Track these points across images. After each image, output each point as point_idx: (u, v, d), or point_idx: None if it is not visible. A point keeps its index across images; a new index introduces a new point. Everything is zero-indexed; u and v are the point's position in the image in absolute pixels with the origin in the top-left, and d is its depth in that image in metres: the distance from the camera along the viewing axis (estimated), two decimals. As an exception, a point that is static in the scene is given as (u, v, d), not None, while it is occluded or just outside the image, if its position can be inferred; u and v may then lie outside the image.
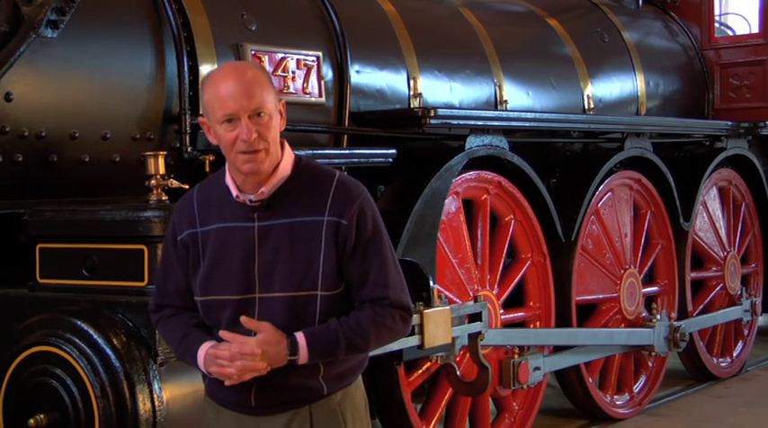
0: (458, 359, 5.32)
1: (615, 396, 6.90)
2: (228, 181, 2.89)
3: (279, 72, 5.21)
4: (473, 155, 5.66)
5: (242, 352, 2.75)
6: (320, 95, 5.43)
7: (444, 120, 5.59)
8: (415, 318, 4.77)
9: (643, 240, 7.16)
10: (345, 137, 5.54)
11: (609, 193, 6.81)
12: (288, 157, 2.90)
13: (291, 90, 5.26)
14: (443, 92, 6.23)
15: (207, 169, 4.71)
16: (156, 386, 3.76)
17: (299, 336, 2.79)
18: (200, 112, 2.91)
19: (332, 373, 2.88)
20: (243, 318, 2.80)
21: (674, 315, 7.15)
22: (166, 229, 3.02)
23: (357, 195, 2.88)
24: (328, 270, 2.82)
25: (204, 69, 4.92)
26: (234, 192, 2.86)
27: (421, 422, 5.41)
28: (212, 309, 2.89)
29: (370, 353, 2.99)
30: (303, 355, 2.79)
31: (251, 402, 2.85)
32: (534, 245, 6.21)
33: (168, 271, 2.98)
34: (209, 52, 4.96)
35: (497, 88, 6.59)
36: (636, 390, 7.07)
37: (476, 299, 5.41)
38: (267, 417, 2.86)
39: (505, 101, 6.62)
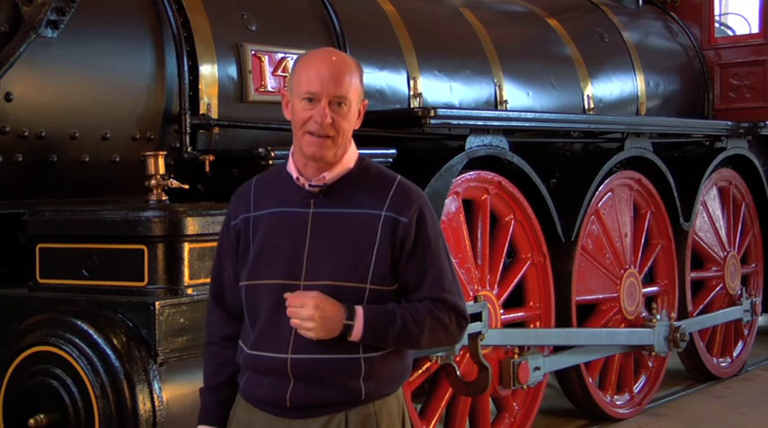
0: (458, 359, 5.33)
1: (615, 396, 6.90)
2: (290, 164, 2.89)
3: (279, 72, 5.21)
4: (473, 155, 5.66)
5: (290, 301, 2.73)
6: (320, 95, 5.43)
7: (444, 120, 5.59)
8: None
9: (643, 240, 7.16)
10: (345, 137, 5.54)
11: (609, 193, 6.81)
12: (353, 152, 2.90)
13: (291, 90, 5.26)
14: (443, 92, 6.23)
15: (207, 169, 4.72)
16: (156, 386, 3.76)
17: (357, 306, 2.76)
18: (285, 85, 2.94)
19: (373, 376, 2.81)
20: (288, 294, 2.76)
21: (674, 315, 7.15)
22: (224, 220, 3.00)
23: (417, 197, 2.88)
24: (380, 264, 2.78)
25: (204, 69, 4.92)
26: (294, 174, 2.85)
27: (421, 422, 5.41)
28: (255, 296, 2.85)
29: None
30: (359, 325, 2.73)
31: (286, 402, 2.79)
32: (534, 245, 6.21)
33: (223, 262, 2.97)
34: (209, 52, 4.96)
35: (497, 88, 6.59)
36: (636, 390, 7.07)
37: (476, 299, 5.41)
38: (301, 421, 2.80)
39: (505, 101, 6.62)
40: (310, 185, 2.83)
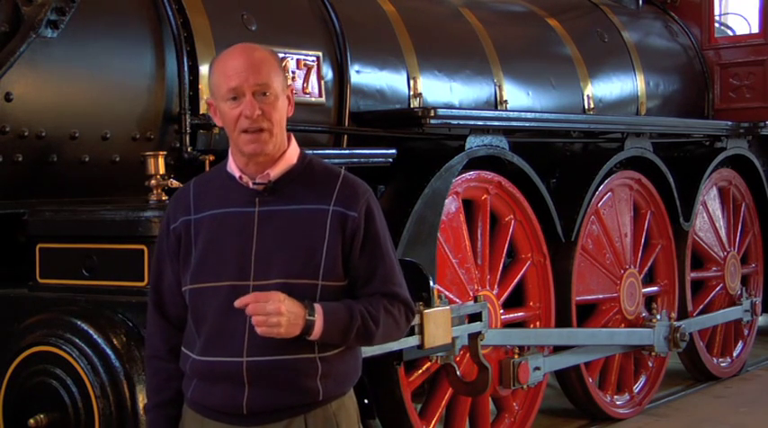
0: (458, 359, 5.32)
1: (615, 396, 6.90)
2: (231, 165, 2.81)
3: (279, 72, 5.21)
4: (473, 155, 5.66)
5: (258, 298, 2.63)
6: (320, 95, 5.43)
7: (444, 120, 5.59)
8: (416, 318, 4.77)
9: (643, 240, 7.16)
10: (345, 137, 5.54)
11: (609, 193, 6.81)
12: (294, 148, 2.84)
13: (291, 90, 5.26)
14: (443, 92, 6.23)
15: (207, 169, 4.72)
16: (156, 386, 3.76)
17: (315, 303, 2.69)
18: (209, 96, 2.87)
19: (330, 374, 2.76)
20: (246, 297, 2.65)
21: (674, 315, 7.15)
22: (161, 224, 2.91)
23: (364, 191, 2.83)
24: (331, 260, 2.73)
25: (204, 69, 4.92)
26: (237, 173, 2.78)
27: (421, 422, 5.41)
28: (201, 299, 2.76)
29: (366, 354, 2.91)
30: (319, 321, 2.66)
31: (242, 409, 2.71)
32: (534, 245, 6.21)
33: (162, 269, 2.88)
34: (209, 52, 4.96)
35: (497, 88, 6.59)
36: (636, 390, 7.07)
37: (476, 299, 5.41)
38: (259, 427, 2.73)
39: (505, 101, 6.62)
40: (254, 183, 2.76)
